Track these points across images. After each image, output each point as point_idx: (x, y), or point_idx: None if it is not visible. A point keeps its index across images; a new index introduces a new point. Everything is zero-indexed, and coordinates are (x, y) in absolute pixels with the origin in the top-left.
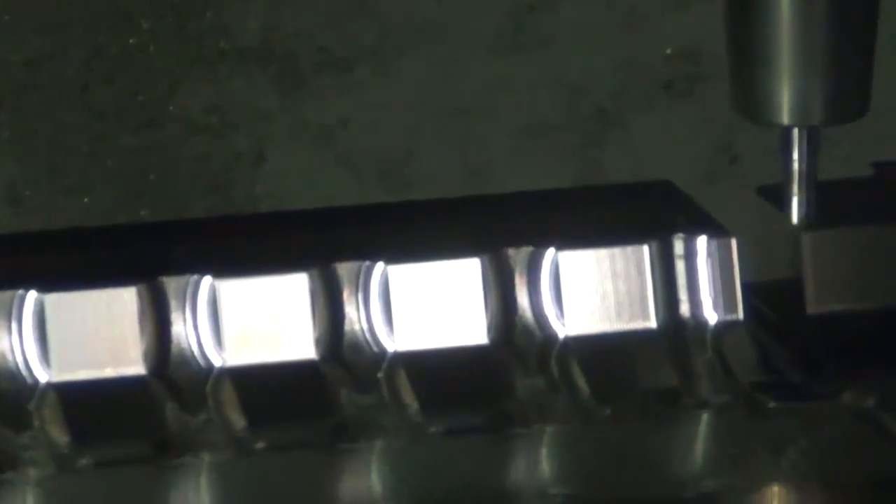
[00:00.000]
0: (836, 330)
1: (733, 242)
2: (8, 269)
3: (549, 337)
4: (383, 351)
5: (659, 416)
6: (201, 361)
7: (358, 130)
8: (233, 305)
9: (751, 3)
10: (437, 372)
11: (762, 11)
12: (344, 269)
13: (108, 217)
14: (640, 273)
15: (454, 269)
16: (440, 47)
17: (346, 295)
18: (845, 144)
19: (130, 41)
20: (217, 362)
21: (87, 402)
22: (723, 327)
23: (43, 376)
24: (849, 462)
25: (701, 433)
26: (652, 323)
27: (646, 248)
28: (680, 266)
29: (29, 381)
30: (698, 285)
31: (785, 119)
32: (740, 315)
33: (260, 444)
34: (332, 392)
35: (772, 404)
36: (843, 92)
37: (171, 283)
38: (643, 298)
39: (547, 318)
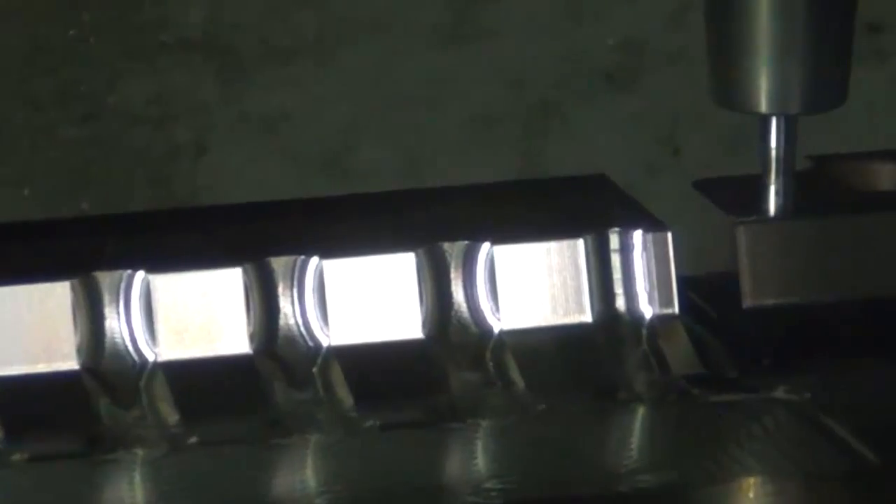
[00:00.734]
0: (772, 324)
1: (669, 236)
2: None
3: (485, 331)
4: (318, 345)
5: (594, 411)
6: (135, 356)
7: (300, 122)
8: (166, 300)
9: None
10: (371, 366)
11: (741, 0)
12: (278, 263)
13: (49, 208)
14: (576, 267)
15: (389, 264)
16: (382, 39)
17: (280, 289)
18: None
19: (71, 33)
20: (150, 357)
21: (20, 397)
22: (658, 321)
23: None
24: (784, 456)
25: (636, 427)
26: (587, 317)
27: (581, 243)
28: (615, 260)
29: None
30: (634, 279)
31: (762, 108)
32: (676, 309)
33: (193, 439)
34: (266, 387)
35: (707, 398)
36: (821, 81)
37: (105, 278)
38: (578, 292)
39: (482, 313)
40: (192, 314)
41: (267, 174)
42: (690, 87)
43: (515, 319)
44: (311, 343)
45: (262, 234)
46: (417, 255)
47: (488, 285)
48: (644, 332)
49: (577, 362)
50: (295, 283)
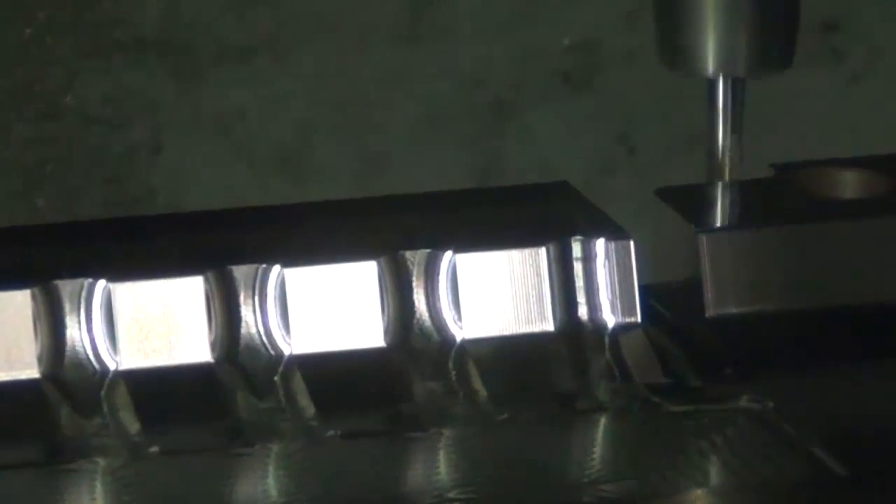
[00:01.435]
0: (734, 332)
1: (631, 245)
2: None
3: (447, 340)
4: (280, 354)
5: (556, 420)
6: (96, 365)
7: (256, 121)
8: (127, 308)
9: None
10: (333, 375)
11: None
12: (240, 271)
13: (4, 208)
14: (538, 275)
15: (351, 272)
16: (338, 38)
17: (242, 298)
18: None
19: (27, 31)
20: (112, 366)
21: None
22: (621, 330)
23: None
24: (747, 466)
25: (599, 436)
26: (549, 325)
27: (543, 251)
28: (578, 268)
29: None
30: (596, 288)
31: (710, 71)
32: (638, 317)
33: (155, 449)
34: (228, 396)
35: (670, 407)
36: (767, 43)
37: (66, 286)
38: (541, 301)
39: (444, 321)
40: (154, 323)
41: (223, 173)
42: (646, 87)
43: (477, 328)
44: (272, 352)
45: (223, 242)
46: (379, 264)
47: (450, 294)
48: (606, 340)
49: (539, 371)
50: (256, 291)
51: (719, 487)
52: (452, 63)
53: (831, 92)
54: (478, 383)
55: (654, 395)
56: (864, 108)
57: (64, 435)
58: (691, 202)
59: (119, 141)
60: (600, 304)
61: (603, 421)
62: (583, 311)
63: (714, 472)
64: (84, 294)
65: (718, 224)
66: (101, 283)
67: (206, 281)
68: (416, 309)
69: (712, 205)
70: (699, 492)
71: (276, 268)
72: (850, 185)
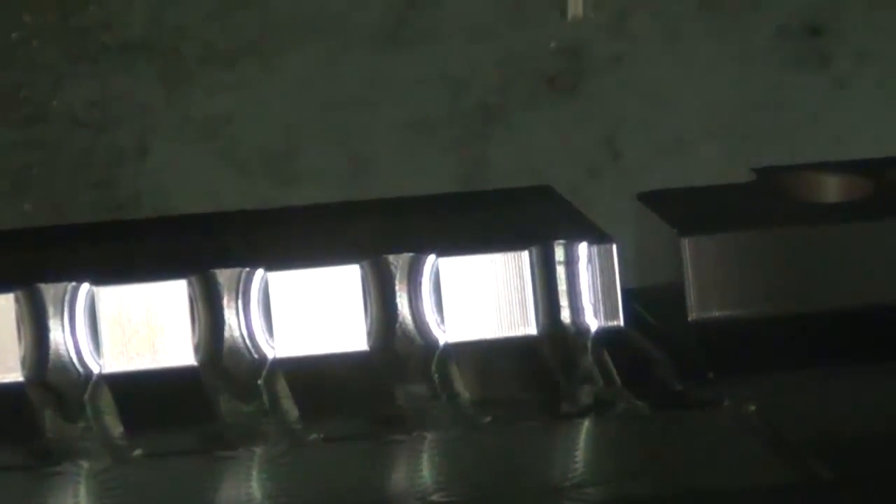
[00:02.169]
0: (717, 336)
1: (614, 248)
2: None
3: (430, 343)
4: (263, 357)
5: (539, 423)
6: (79, 368)
7: (242, 125)
8: (111, 312)
9: None
10: (317, 378)
11: None
12: (223, 275)
13: None
14: (521, 279)
15: (334, 276)
16: (325, 42)
17: (225, 301)
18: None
19: (13, 35)
20: (95, 369)
21: None
22: (603, 333)
23: None
24: (730, 468)
25: (581, 440)
26: (532, 329)
27: (526, 254)
28: (560, 272)
29: None
30: (579, 291)
31: None
32: (621, 321)
33: (138, 452)
34: (211, 399)
35: (652, 411)
36: None
37: (49, 290)
38: (524, 305)
39: (427, 325)
40: (137, 326)
41: (210, 177)
42: (632, 92)
43: (461, 331)
44: (256, 355)
45: (207, 246)
46: (362, 268)
47: (433, 297)
48: (589, 344)
49: (522, 374)
50: (240, 295)
51: (702, 491)
52: (438, 67)
53: (817, 96)
54: (461, 387)
55: (636, 398)
56: (849, 113)
57: (48, 438)
58: (674, 206)
59: (106, 145)
60: (583, 308)
61: (586, 424)
62: (566, 315)
63: (697, 476)
64: (68, 297)
65: (701, 228)
66: (85, 286)
67: (190, 284)
68: (399, 312)
69: (695, 209)
70: (682, 495)
71: (260, 271)
72: (832, 189)
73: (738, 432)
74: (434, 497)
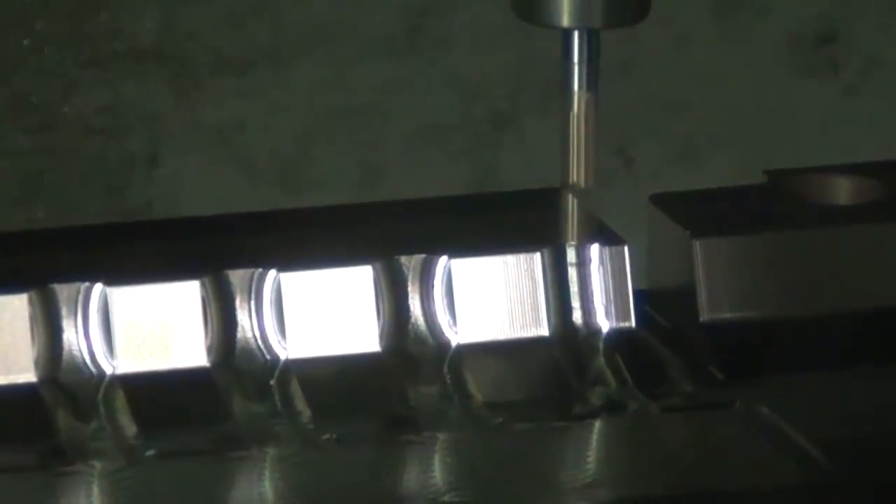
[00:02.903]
0: (729, 337)
1: (625, 250)
2: None
3: (442, 344)
4: (275, 358)
5: (551, 424)
6: (92, 369)
7: (253, 132)
8: (124, 313)
9: None
10: (329, 379)
11: None
12: (236, 276)
13: (4, 218)
14: (533, 281)
15: (346, 277)
16: (335, 49)
17: (238, 302)
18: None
19: (25, 42)
20: (108, 370)
21: None
22: (615, 335)
23: None
24: (742, 469)
25: (593, 441)
26: (544, 330)
27: (538, 256)
28: (572, 274)
29: None
30: (591, 293)
31: (565, 22)
32: (632, 323)
33: (151, 452)
34: (223, 400)
35: (664, 412)
36: None
37: (63, 291)
38: (535, 306)
39: (439, 326)
40: (150, 327)
41: (221, 184)
42: (643, 99)
43: (473, 333)
44: (268, 356)
45: (219, 247)
46: (375, 269)
47: (445, 299)
48: (601, 345)
49: (534, 376)
50: (252, 296)
51: (713, 491)
52: (449, 74)
53: (827, 103)
54: (472, 388)
55: (648, 399)
56: (860, 120)
57: (61, 438)
58: (686, 208)
59: (117, 152)
60: (595, 309)
61: (597, 425)
62: (577, 316)
63: (708, 476)
64: (81, 298)
65: (713, 230)
66: (98, 287)
67: (203, 285)
68: (411, 314)
69: (706, 211)
70: (694, 495)
71: (272, 272)
72: (843, 191)
73: (749, 433)
74: (446, 497)
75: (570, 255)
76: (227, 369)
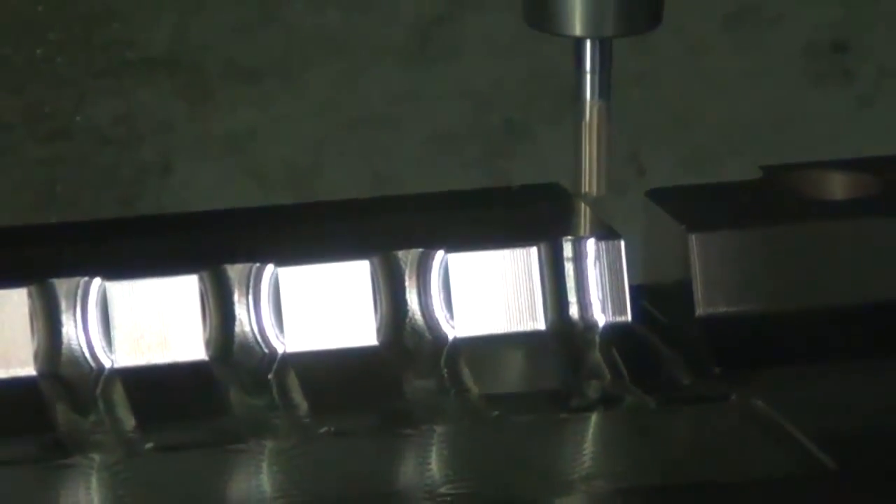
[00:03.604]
0: (724, 331)
1: (622, 244)
2: None
3: (439, 338)
4: (273, 352)
5: (547, 417)
6: (91, 363)
7: (266, 141)
8: (123, 307)
9: None
10: (327, 373)
11: None
12: (234, 270)
13: None
14: (529, 275)
15: (344, 271)
16: (348, 58)
17: (236, 297)
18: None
19: (37, 52)
20: (107, 363)
21: None
22: (611, 329)
23: None
24: (738, 462)
25: (589, 434)
26: (541, 325)
27: (535, 251)
28: (569, 268)
29: None
30: (587, 287)
31: (577, 31)
32: (629, 317)
33: (149, 445)
34: (222, 393)
35: (660, 405)
36: (635, 4)
37: (62, 285)
38: (532, 300)
39: (436, 320)
40: (149, 321)
41: (233, 193)
42: (656, 108)
43: (469, 327)
44: (266, 350)
45: (217, 241)
46: (372, 263)
47: (442, 293)
48: (597, 339)
49: (530, 369)
50: (250, 290)
51: (709, 484)
52: (462, 83)
53: (841, 112)
54: (469, 381)
55: (644, 393)
56: (873, 129)
57: (60, 431)
58: (682, 203)
59: (129, 161)
60: (591, 304)
61: (594, 419)
62: (574, 311)
63: (705, 469)
64: (80, 293)
65: (708, 225)
66: (97, 281)
67: (201, 280)
68: (408, 308)
69: (702, 206)
70: (689, 489)
71: (270, 267)
72: (838, 186)
73: (745, 427)
74: (442, 490)
75: (567, 249)
76: (225, 363)
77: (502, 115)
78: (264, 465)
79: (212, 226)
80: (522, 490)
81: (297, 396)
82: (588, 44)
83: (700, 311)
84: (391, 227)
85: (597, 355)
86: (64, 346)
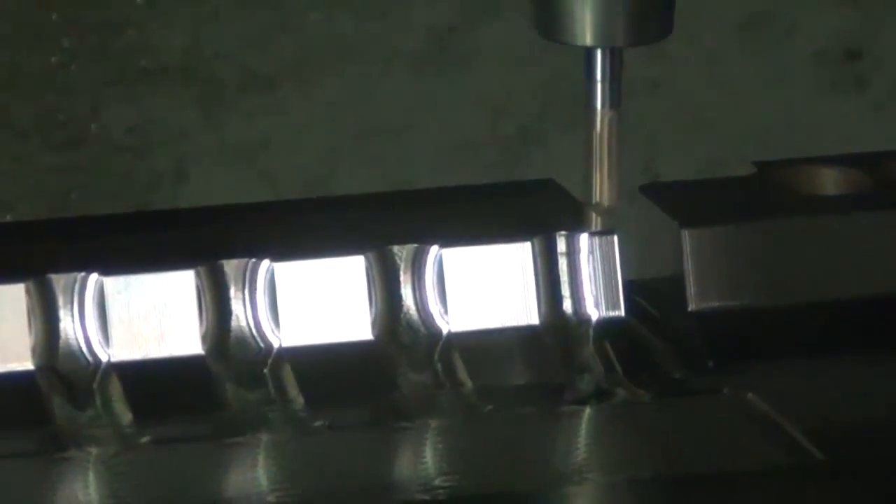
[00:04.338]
0: (717, 326)
1: (615, 239)
2: None
3: (433, 333)
4: (269, 346)
5: (541, 411)
6: (88, 357)
7: (280, 149)
8: (120, 302)
9: None
10: (322, 367)
11: None
12: (230, 265)
13: None
14: (523, 270)
15: (339, 266)
16: (362, 67)
17: (232, 291)
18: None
19: (52, 60)
20: (104, 358)
21: None
22: (605, 323)
23: None
24: (730, 455)
25: (583, 428)
26: (534, 319)
27: (528, 246)
28: (562, 263)
29: None
30: (581, 282)
31: (588, 40)
32: (622, 311)
33: (146, 439)
34: (218, 387)
35: (653, 399)
36: (646, 12)
37: (59, 280)
38: (526, 295)
39: (431, 315)
40: (145, 316)
41: (247, 201)
42: (670, 116)
43: (464, 321)
44: (262, 344)
45: (214, 237)
46: (367, 258)
47: (437, 288)
48: (591, 333)
49: (524, 364)
50: (246, 285)
51: (701, 476)
52: (477, 91)
53: (854, 120)
54: (464, 375)
55: (637, 387)
56: (887, 136)
57: (57, 425)
58: (675, 198)
59: (144, 169)
60: (584, 298)
61: (587, 412)
62: (567, 305)
63: (697, 462)
64: (77, 288)
65: (701, 220)
66: (94, 276)
67: (197, 275)
68: (403, 302)
69: (695, 201)
70: (682, 481)
71: (266, 262)
72: (831, 181)
73: (737, 420)
74: (437, 483)
75: (561, 244)
76: (222, 357)
77: (517, 123)
78: (260, 459)
79: (208, 221)
80: (516, 483)
81: (293, 390)
82: (598, 53)
83: (693, 305)
84: (386, 222)
85: (590, 349)
86: (61, 341)
